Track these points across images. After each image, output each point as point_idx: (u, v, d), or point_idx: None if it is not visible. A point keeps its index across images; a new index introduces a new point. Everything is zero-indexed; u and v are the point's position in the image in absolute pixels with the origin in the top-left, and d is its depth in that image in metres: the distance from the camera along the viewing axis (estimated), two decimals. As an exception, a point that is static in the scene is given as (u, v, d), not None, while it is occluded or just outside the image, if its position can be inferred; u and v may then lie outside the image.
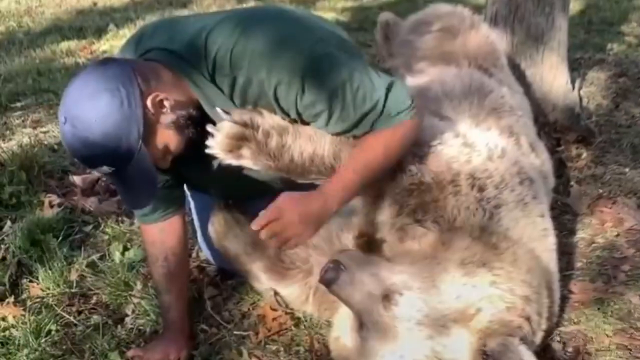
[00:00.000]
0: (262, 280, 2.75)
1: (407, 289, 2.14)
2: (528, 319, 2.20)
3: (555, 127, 4.03)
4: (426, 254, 2.29)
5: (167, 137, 2.13)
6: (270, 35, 2.06)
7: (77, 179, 3.69)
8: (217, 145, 2.21)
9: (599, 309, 2.73)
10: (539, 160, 2.88)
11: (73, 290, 2.93)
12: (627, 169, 3.69)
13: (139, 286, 2.91)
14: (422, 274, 2.19)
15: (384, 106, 2.12)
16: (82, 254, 3.16)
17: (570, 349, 2.54)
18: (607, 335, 2.59)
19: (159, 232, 2.55)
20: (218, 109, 2.16)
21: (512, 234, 2.37)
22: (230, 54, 2.06)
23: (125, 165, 2.02)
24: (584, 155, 3.84)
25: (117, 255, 3.13)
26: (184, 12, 7.42)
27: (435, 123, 2.56)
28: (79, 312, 2.83)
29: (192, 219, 3.02)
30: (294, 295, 2.71)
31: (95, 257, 3.14)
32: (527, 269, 2.28)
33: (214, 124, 2.20)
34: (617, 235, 3.20)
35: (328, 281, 2.19)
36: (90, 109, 1.94)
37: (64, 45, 6.67)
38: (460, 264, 2.21)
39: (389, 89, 2.13)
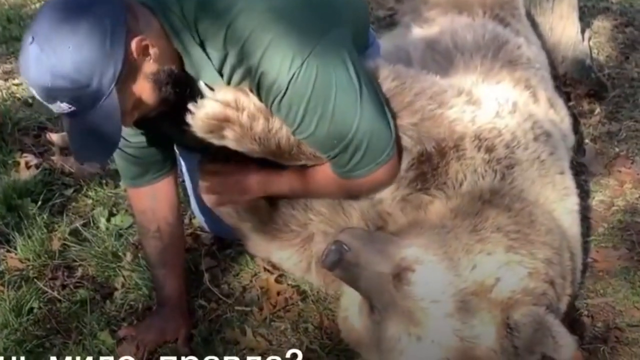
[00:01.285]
0: (253, 241, 2.53)
1: (418, 264, 1.94)
2: (552, 283, 2.02)
3: (565, 81, 3.80)
4: (434, 223, 2.09)
5: (143, 90, 1.84)
6: (275, 17, 1.83)
7: (55, 137, 3.39)
8: (197, 125, 1.96)
9: (625, 278, 2.56)
10: (558, 116, 2.66)
11: (55, 262, 2.68)
12: (643, 126, 3.49)
13: (128, 257, 2.67)
14: (432, 245, 2.00)
15: (361, 145, 1.96)
16: (64, 221, 2.90)
17: (599, 324, 2.38)
18: (638, 309, 2.43)
19: (150, 199, 2.30)
20: (202, 84, 1.91)
21: (527, 194, 2.19)
22: (227, 28, 1.81)
23: (88, 108, 1.72)
24: (597, 110, 3.62)
25: (102, 222, 2.88)
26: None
27: (435, 82, 2.29)
28: (63, 287, 2.59)
29: (183, 182, 2.77)
30: (292, 262, 2.49)
31: (78, 224, 2.88)
32: (546, 230, 2.10)
33: (195, 92, 1.96)
34: (638, 197, 3.01)
35: (331, 264, 1.97)
36: (67, 34, 1.65)
37: (34, -10, 6.24)
38: (472, 230, 2.02)
39: (373, 128, 1.94)
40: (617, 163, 3.21)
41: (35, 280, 2.58)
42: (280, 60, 1.80)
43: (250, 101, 1.94)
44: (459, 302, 1.89)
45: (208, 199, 2.25)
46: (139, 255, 2.66)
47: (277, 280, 2.57)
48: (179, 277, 2.39)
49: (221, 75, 1.91)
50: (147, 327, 2.33)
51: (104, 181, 3.16)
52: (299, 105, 1.85)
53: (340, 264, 1.94)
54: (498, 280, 1.92)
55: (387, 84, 2.11)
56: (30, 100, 3.81)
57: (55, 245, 2.74)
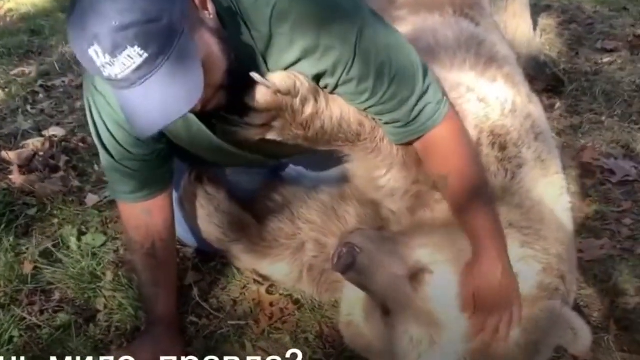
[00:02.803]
0: (244, 261, 2.46)
1: (435, 265, 1.90)
2: (563, 278, 2.02)
3: (522, 77, 3.86)
4: (444, 222, 2.05)
5: (211, 43, 1.64)
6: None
7: (11, 155, 3.20)
8: (254, 119, 1.85)
9: (612, 267, 2.60)
10: (538, 111, 2.68)
11: (29, 286, 2.50)
12: (603, 117, 3.59)
13: (109, 276, 2.53)
14: (445, 243, 1.96)
15: (425, 93, 1.89)
16: (32, 242, 2.72)
17: (595, 314, 2.41)
18: (631, 296, 2.46)
19: (145, 214, 2.16)
20: (254, 75, 1.75)
21: (533, 195, 2.17)
22: (272, 9, 1.72)
23: (164, 49, 1.50)
24: (558, 105, 3.70)
25: (73, 242, 2.72)
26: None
27: (444, 76, 2.29)
28: (42, 312, 2.41)
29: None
30: (283, 273, 2.44)
31: (48, 245, 2.71)
32: (556, 226, 2.11)
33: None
34: (610, 187, 3.06)
35: (344, 268, 1.91)
36: None
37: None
38: None
39: (426, 74, 1.90)
40: (584, 155, 3.27)
41: (11, 306, 2.40)
42: (340, 33, 1.75)
43: (302, 84, 1.84)
44: None
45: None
46: (120, 273, 2.53)
47: (268, 291, 2.48)
48: (171, 296, 2.27)
49: (264, 58, 1.81)
50: (140, 348, 2.19)
51: (68, 199, 3.00)
52: (369, 69, 1.80)
53: (353, 266, 1.88)
54: (517, 274, 1.89)
55: None
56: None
57: (27, 268, 2.57)
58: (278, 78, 1.79)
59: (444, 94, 1.96)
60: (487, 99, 2.27)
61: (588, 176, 3.15)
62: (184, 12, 1.53)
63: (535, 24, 4.50)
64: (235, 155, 2.09)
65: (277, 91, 1.79)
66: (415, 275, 1.88)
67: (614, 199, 2.99)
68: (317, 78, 1.85)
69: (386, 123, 1.93)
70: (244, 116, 1.86)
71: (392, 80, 1.83)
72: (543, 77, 3.89)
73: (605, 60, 4.16)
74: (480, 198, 1.94)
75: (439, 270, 1.88)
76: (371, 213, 2.26)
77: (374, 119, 1.96)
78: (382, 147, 2.00)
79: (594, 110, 3.65)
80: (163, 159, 2.12)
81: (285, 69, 1.82)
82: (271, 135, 1.91)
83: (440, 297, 1.86)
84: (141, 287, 2.30)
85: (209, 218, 2.45)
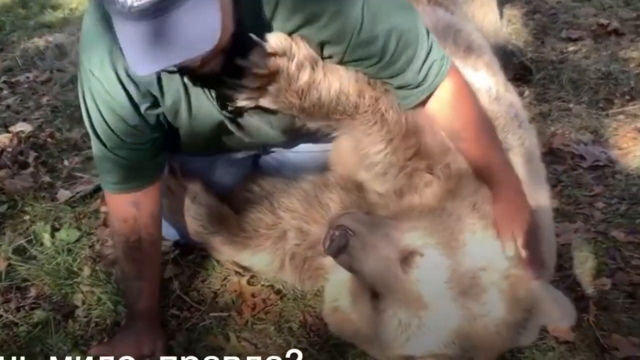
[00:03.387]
0: (224, 252, 2.45)
1: (426, 247, 1.91)
2: (547, 256, 2.05)
3: (490, 66, 3.90)
4: (432, 206, 2.06)
5: (225, 5, 1.62)
6: None
7: (-22, 152, 3.13)
8: (250, 82, 1.82)
9: (587, 249, 2.63)
10: (516, 100, 2.71)
11: (4, 284, 2.46)
12: (571, 105, 3.63)
13: (86, 272, 2.49)
14: (436, 227, 1.97)
15: (430, 50, 1.92)
16: (5, 240, 2.67)
17: (574, 296, 2.42)
18: (607, 276, 2.50)
19: (133, 206, 2.12)
20: (252, 35, 1.73)
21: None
22: None
23: None
24: (527, 93, 3.74)
25: (46, 238, 2.68)
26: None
27: None
28: (18, 309, 2.37)
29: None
30: (265, 263, 2.43)
31: (21, 241, 2.65)
32: (536, 205, 2.14)
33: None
34: (581, 172, 3.11)
35: (337, 250, 1.90)
36: None
37: None
38: (473, 208, 2.01)
39: (428, 32, 1.93)
40: (554, 142, 3.31)
41: (-13, 305, 2.35)
42: None
43: (299, 49, 1.82)
44: (471, 279, 1.87)
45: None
46: (97, 268, 2.49)
47: (249, 282, 2.47)
48: (155, 290, 2.25)
49: (270, 24, 1.79)
50: (121, 342, 2.16)
51: (40, 195, 2.94)
52: (377, 32, 1.81)
53: (345, 249, 1.87)
54: (506, 252, 1.91)
55: None
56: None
57: (1, 265, 2.51)
58: (274, 38, 1.78)
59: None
60: (474, 85, 2.28)
61: (559, 162, 3.19)
62: None
63: (500, 15, 4.55)
64: (232, 137, 2.09)
65: (273, 52, 1.77)
66: (406, 258, 1.89)
67: (586, 183, 3.04)
68: (323, 45, 1.84)
69: (398, 87, 1.94)
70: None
71: (399, 41, 1.84)
72: (511, 66, 3.92)
73: (571, 49, 4.22)
74: (495, 140, 2.05)
75: (429, 253, 1.89)
76: (356, 199, 2.26)
77: (385, 88, 1.96)
78: (388, 118, 1.99)
79: (561, 97, 3.70)
80: (157, 150, 2.10)
81: (289, 35, 1.81)
82: (266, 102, 1.89)
83: (430, 280, 1.87)
84: (123, 280, 2.27)
85: (186, 211, 2.43)
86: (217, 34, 1.53)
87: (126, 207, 2.12)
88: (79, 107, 3.48)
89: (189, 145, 2.20)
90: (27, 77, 4.09)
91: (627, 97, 3.67)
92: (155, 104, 1.98)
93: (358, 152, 2.11)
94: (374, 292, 1.96)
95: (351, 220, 1.94)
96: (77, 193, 2.95)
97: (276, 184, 2.47)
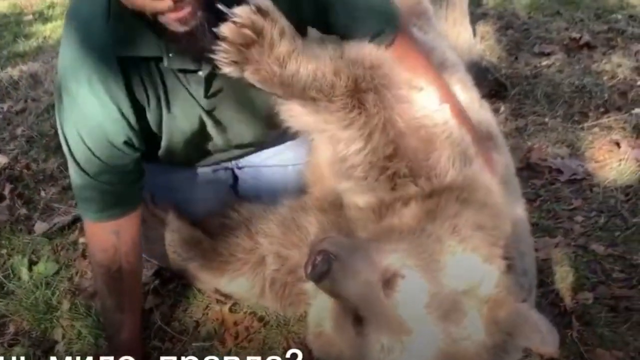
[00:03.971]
0: (203, 279, 2.43)
1: (406, 270, 1.89)
2: (526, 274, 2.05)
3: (465, 83, 3.93)
4: (412, 228, 2.04)
5: None
6: None
7: (-48, 186, 3.09)
8: (231, 32, 1.78)
9: (568, 264, 2.65)
10: (488, 116, 2.73)
11: (-19, 320, 2.42)
12: (546, 119, 3.66)
13: (65, 305, 2.45)
14: (417, 250, 1.94)
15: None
16: (-19, 275, 2.63)
17: (557, 311, 2.43)
18: (588, 290, 2.51)
19: (113, 234, 2.10)
20: (220, 6, 1.75)
21: (495, 194, 2.18)
22: None
23: None
24: (502, 109, 3.77)
25: (24, 272, 2.64)
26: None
27: None
28: (-3, 346, 2.33)
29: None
30: (244, 289, 2.42)
31: (-2, 276, 2.62)
32: (514, 221, 2.13)
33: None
34: (559, 186, 3.13)
35: (319, 276, 1.85)
36: None
37: None
38: (454, 231, 1.98)
39: None
40: (532, 156, 3.33)
41: (-36, 343, 2.31)
42: None
43: (281, 17, 1.83)
44: (451, 303, 1.86)
45: None
46: (77, 302, 2.46)
47: (231, 310, 2.45)
48: (136, 322, 2.23)
49: None
50: None
51: (16, 228, 2.91)
52: None
53: (328, 274, 1.84)
54: (484, 276, 1.91)
55: None
56: None
57: (-22, 302, 2.48)
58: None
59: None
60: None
61: (537, 176, 3.21)
62: None
63: (473, 32, 4.59)
64: (207, 140, 2.16)
65: (258, 9, 1.78)
66: (388, 280, 1.86)
67: (564, 197, 3.05)
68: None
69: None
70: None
71: None
72: (486, 83, 3.95)
73: (544, 63, 4.26)
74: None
75: (410, 275, 1.87)
76: (334, 220, 2.25)
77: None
78: (366, 103, 1.98)
79: (537, 112, 3.73)
80: (138, 173, 2.11)
81: None
82: (249, 71, 1.86)
83: (411, 304, 1.84)
84: (104, 312, 2.24)
85: (159, 239, 2.41)
86: None
87: (107, 236, 2.11)
88: (54, 137, 3.53)
89: (168, 154, 2.20)
90: (2, 108, 4.06)
91: (602, 110, 3.71)
92: (142, 113, 2.01)
93: (336, 160, 2.09)
94: (356, 317, 1.94)
95: (332, 245, 1.91)
96: (55, 225, 2.92)
97: (253, 210, 2.46)
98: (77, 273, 2.64)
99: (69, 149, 2.00)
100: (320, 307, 2.16)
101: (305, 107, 2.00)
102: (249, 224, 2.42)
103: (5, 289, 2.57)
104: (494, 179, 2.20)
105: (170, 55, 1.90)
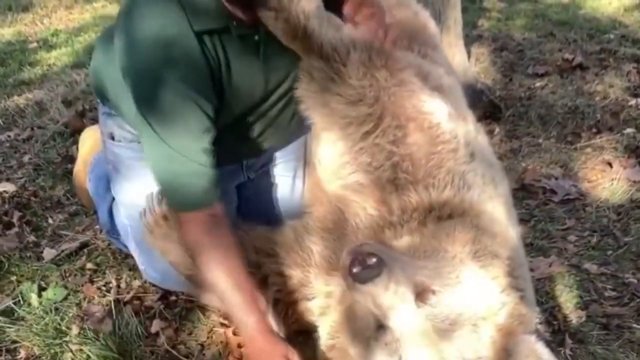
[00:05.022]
0: (206, 298, 2.49)
1: (438, 286, 1.93)
2: (532, 307, 2.12)
3: (461, 106, 4.03)
4: (434, 246, 2.08)
5: None
6: None
7: (-38, 215, 3.17)
8: None
9: (562, 283, 2.73)
10: (485, 141, 2.81)
11: (-7, 346, 2.49)
12: (540, 140, 3.76)
13: (74, 330, 2.52)
14: (443, 269, 1.99)
15: None
16: (-8, 302, 2.71)
17: (551, 330, 2.50)
18: (582, 309, 2.58)
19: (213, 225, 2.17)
20: None
21: (494, 214, 2.26)
22: None
23: None
24: (497, 130, 3.87)
25: (33, 298, 2.71)
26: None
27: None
28: (9, 372, 2.41)
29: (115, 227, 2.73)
30: None
31: (9, 302, 2.69)
32: (520, 251, 2.23)
33: None
34: (553, 206, 3.22)
35: (368, 278, 1.82)
36: None
37: None
38: (474, 257, 2.05)
39: None
40: (526, 177, 3.42)
41: (-23, 370, 2.39)
42: None
43: None
44: (472, 325, 1.92)
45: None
46: (85, 326, 2.53)
47: (235, 333, 2.51)
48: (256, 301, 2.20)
49: None
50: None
51: (25, 254, 2.98)
52: None
53: (375, 279, 1.82)
54: (503, 305, 1.98)
55: None
56: None
57: (-10, 328, 2.55)
58: None
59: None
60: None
61: (531, 197, 3.30)
62: None
63: (468, 54, 4.70)
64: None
65: None
66: (421, 294, 1.89)
67: (558, 217, 3.14)
68: None
69: None
70: None
71: None
72: (481, 105, 4.05)
73: (538, 84, 4.37)
74: None
75: (443, 292, 1.91)
76: (338, 239, 2.31)
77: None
78: (378, 78, 2.13)
79: (531, 133, 3.83)
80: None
81: None
82: (279, 20, 2.07)
83: (441, 317, 1.88)
84: (225, 300, 2.19)
85: (173, 244, 2.44)
86: None
87: (207, 227, 2.16)
88: (61, 163, 3.62)
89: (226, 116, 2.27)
90: (8, 136, 4.14)
91: (594, 130, 3.81)
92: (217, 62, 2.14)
93: (343, 151, 2.22)
94: (379, 325, 1.93)
95: (379, 251, 1.91)
96: (63, 251, 3.00)
97: (257, 230, 2.52)
98: (85, 298, 2.71)
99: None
100: (331, 320, 2.22)
101: (319, 79, 2.17)
102: (253, 244, 2.48)
103: (16, 315, 2.63)
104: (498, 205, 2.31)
105: (234, 23, 2.07)
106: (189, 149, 2.08)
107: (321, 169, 2.43)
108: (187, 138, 2.08)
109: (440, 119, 2.24)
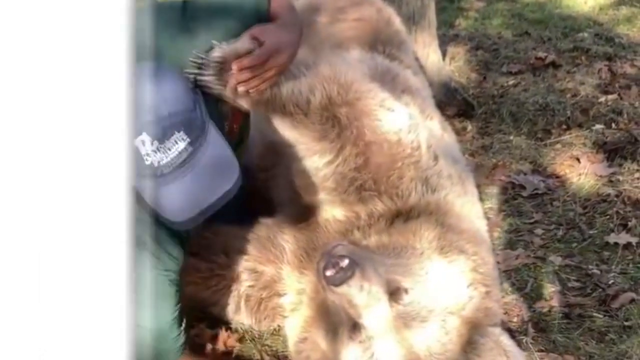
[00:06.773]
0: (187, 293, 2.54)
1: (409, 284, 2.02)
2: (498, 300, 2.20)
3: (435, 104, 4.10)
4: (402, 244, 2.17)
5: None
6: None
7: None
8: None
9: (528, 275, 2.81)
10: (451, 139, 2.90)
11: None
12: (511, 137, 3.84)
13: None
14: (413, 266, 2.09)
15: None
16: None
17: (515, 319, 2.59)
18: (545, 299, 2.67)
19: None
20: None
21: (461, 211, 2.36)
22: None
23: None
24: (469, 127, 3.95)
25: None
26: None
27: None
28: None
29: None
30: (220, 306, 2.53)
31: None
32: (487, 247, 2.32)
33: None
34: (521, 201, 3.30)
35: (341, 280, 1.88)
36: None
37: None
38: (441, 252, 2.15)
39: None
40: (496, 173, 3.51)
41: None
42: None
43: None
44: (441, 320, 2.00)
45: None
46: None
47: (209, 326, 2.57)
48: None
49: None
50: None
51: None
52: None
53: (350, 280, 1.88)
54: (470, 298, 2.06)
55: None
56: None
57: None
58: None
59: None
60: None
61: (501, 192, 3.38)
62: None
63: (444, 53, 4.77)
64: None
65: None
66: (393, 293, 1.96)
67: (526, 211, 3.22)
68: None
69: None
70: None
71: None
72: (454, 103, 4.13)
73: (511, 82, 4.45)
74: None
75: (414, 290, 2.00)
76: (310, 237, 2.38)
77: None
78: (339, 118, 2.17)
79: (502, 130, 3.91)
80: None
81: None
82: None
83: (412, 315, 1.97)
84: None
85: None
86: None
87: None
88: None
89: None
90: None
91: (564, 127, 3.89)
92: None
93: (310, 172, 2.27)
94: (354, 324, 1.99)
95: (351, 252, 1.97)
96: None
97: (230, 228, 2.57)
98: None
99: None
100: (305, 315, 2.29)
101: (284, 122, 2.19)
102: (224, 241, 2.54)
103: None
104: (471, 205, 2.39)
105: None
106: None
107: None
108: None
109: (400, 135, 2.28)
